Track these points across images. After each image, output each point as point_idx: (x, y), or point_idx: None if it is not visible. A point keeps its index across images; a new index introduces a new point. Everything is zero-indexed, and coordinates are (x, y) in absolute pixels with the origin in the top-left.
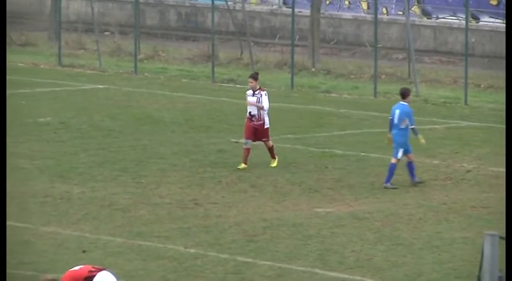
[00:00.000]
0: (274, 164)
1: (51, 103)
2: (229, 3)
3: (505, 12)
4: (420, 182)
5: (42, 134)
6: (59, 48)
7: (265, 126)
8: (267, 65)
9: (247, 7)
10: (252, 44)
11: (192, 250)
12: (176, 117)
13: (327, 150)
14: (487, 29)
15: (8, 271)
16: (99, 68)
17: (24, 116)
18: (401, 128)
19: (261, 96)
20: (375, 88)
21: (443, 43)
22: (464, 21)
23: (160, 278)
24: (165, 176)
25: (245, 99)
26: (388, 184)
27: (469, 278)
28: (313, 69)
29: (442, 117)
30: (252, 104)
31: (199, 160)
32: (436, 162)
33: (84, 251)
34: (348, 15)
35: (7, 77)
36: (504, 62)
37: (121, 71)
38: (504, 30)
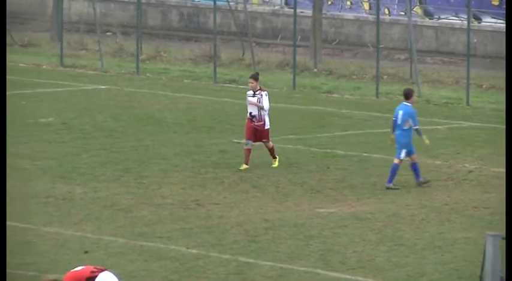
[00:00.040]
0: (276, 164)
1: (53, 104)
2: (231, 3)
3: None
4: (425, 182)
5: (44, 135)
6: (61, 48)
7: (266, 127)
8: (268, 66)
9: (249, 7)
10: (254, 44)
11: (194, 251)
12: (178, 118)
13: (329, 150)
14: (489, 29)
15: (9, 271)
16: (101, 69)
17: (26, 117)
18: (405, 129)
19: (261, 97)
20: (377, 89)
21: (445, 44)
22: (466, 22)
23: (162, 279)
24: (167, 176)
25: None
26: (391, 185)
27: (471, 278)
28: (315, 69)
29: (444, 118)
30: (252, 103)
31: (201, 161)
32: (438, 162)
33: (86, 252)
34: (349, 15)
35: (9, 77)
36: None
37: (123, 71)
38: None
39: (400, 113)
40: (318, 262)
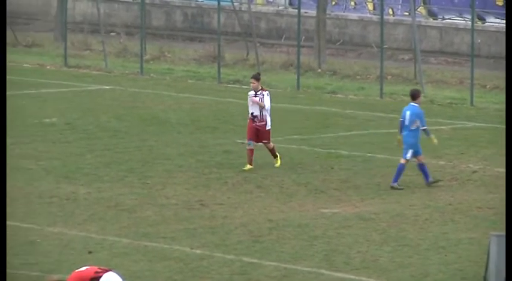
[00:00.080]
0: (278, 163)
1: (57, 104)
2: (235, 4)
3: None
4: (435, 182)
5: (48, 135)
6: (65, 49)
7: (267, 128)
8: (273, 66)
9: (253, 8)
10: (258, 44)
11: (198, 251)
12: (182, 118)
13: (333, 151)
14: (492, 29)
15: (13, 271)
16: (105, 69)
17: (30, 117)
18: (412, 130)
19: (263, 97)
20: (381, 89)
21: (449, 44)
22: (470, 22)
23: (166, 279)
24: (171, 177)
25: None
26: (395, 184)
27: (475, 279)
28: (319, 70)
29: (448, 118)
30: (254, 101)
31: (205, 161)
32: (442, 163)
33: (90, 252)
34: (353, 16)
35: (13, 77)
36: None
37: (127, 71)
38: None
39: (408, 113)
40: (322, 262)
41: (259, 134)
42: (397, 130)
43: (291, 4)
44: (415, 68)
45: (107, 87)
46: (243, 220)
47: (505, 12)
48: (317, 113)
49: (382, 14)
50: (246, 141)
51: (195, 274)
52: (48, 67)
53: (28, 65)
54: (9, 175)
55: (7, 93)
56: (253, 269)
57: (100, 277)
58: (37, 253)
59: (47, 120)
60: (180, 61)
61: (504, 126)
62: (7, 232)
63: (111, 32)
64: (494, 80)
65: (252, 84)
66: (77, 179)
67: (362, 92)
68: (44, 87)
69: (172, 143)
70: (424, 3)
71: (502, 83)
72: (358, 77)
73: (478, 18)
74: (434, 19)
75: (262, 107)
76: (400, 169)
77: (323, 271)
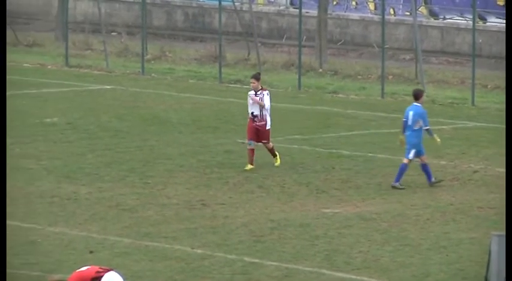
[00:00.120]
0: (277, 162)
1: (58, 104)
2: (236, 3)
3: None
4: (438, 182)
5: (49, 135)
6: (66, 48)
7: (267, 128)
8: (274, 66)
9: (255, 8)
10: (259, 44)
11: (199, 251)
12: (183, 118)
13: (334, 151)
14: (494, 29)
15: (14, 271)
16: (106, 69)
17: (31, 117)
18: (415, 130)
19: (263, 96)
20: (382, 89)
21: (450, 44)
22: (471, 22)
23: (167, 279)
24: (172, 176)
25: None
26: (397, 184)
27: (476, 278)
28: (321, 70)
29: (449, 118)
30: (254, 100)
31: (207, 161)
32: (443, 163)
33: (91, 252)
34: (355, 15)
35: (14, 77)
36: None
37: (128, 71)
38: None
39: (411, 113)
40: (323, 262)
41: (259, 133)
42: (399, 130)
43: (292, 4)
44: (416, 68)
45: (108, 87)
46: (244, 220)
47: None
48: (318, 113)
49: (383, 14)
50: (247, 141)
51: (196, 273)
52: (49, 67)
53: (29, 65)
54: (10, 175)
55: (8, 93)
56: (255, 269)
57: (101, 276)
58: (38, 252)
59: (48, 120)
60: (181, 61)
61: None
62: (8, 232)
63: (112, 31)
64: (496, 80)
65: (252, 84)
66: (78, 179)
67: (363, 92)
68: (45, 87)
69: (173, 142)
70: (425, 3)
71: (503, 83)
72: (359, 77)
73: (479, 18)
74: (435, 19)
75: (262, 107)
76: (402, 169)
77: (324, 270)
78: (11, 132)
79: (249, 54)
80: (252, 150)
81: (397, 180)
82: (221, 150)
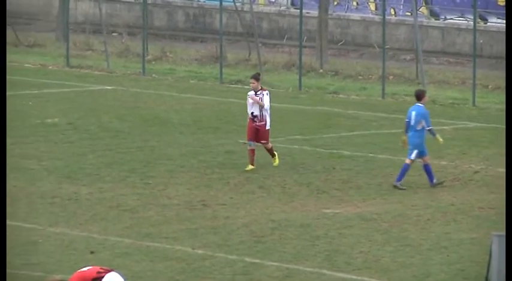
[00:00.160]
0: (276, 162)
1: (59, 104)
2: (237, 4)
3: None
4: (439, 183)
5: (50, 135)
6: (67, 49)
7: (267, 128)
8: (275, 66)
9: (255, 8)
10: (260, 45)
11: (200, 251)
12: (184, 119)
13: (335, 151)
14: (495, 30)
15: (15, 271)
16: (107, 69)
17: (32, 117)
18: (418, 130)
19: (263, 97)
20: (383, 89)
21: (451, 44)
22: (472, 22)
23: (168, 280)
24: (173, 177)
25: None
26: (399, 183)
27: (477, 279)
28: (321, 70)
29: (450, 118)
30: (253, 99)
31: (207, 161)
32: (444, 163)
33: (92, 252)
34: (355, 16)
35: (15, 77)
36: None
37: (129, 72)
38: None
39: (413, 114)
40: (323, 263)
41: (258, 133)
42: (400, 130)
43: (293, 4)
44: (417, 68)
45: (109, 87)
46: (245, 220)
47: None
48: (319, 114)
49: (384, 14)
50: (247, 141)
51: (197, 274)
52: (50, 67)
53: (30, 65)
54: (11, 175)
55: (9, 93)
56: (256, 269)
57: (102, 277)
58: (39, 253)
59: (49, 120)
60: (182, 61)
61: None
62: (9, 232)
63: (113, 32)
64: (496, 80)
65: (251, 85)
66: (79, 179)
67: (364, 93)
68: (46, 88)
69: (174, 143)
70: (426, 3)
71: (504, 83)
72: (360, 77)
73: (480, 19)
74: (436, 19)
75: (261, 106)
76: (405, 169)
77: (325, 271)
78: (12, 133)
79: (249, 54)
80: (253, 150)
81: (399, 180)
82: (222, 150)
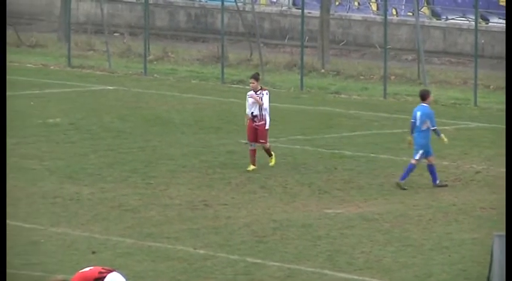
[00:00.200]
0: (273, 162)
1: (60, 104)
2: (238, 4)
3: None
4: (442, 186)
5: (51, 135)
6: (69, 49)
7: (266, 127)
8: (276, 66)
9: (257, 8)
10: (261, 45)
11: (202, 251)
12: (186, 119)
13: (337, 151)
14: (496, 30)
15: (16, 271)
16: (108, 69)
17: (34, 117)
18: (423, 130)
19: (262, 96)
20: (385, 89)
21: (452, 44)
22: (473, 22)
23: (170, 279)
24: (175, 177)
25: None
26: (402, 182)
27: (478, 279)
28: (323, 70)
29: (451, 119)
30: (253, 97)
31: (209, 161)
32: (445, 163)
33: (93, 252)
34: (357, 16)
35: (17, 78)
36: None
37: (130, 72)
38: None
39: (418, 114)
40: (325, 263)
41: (257, 133)
42: (401, 130)
43: (294, 4)
44: (418, 68)
45: (111, 87)
46: (247, 220)
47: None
48: (320, 114)
49: (385, 15)
50: (248, 142)
51: (198, 274)
52: (51, 67)
53: (32, 65)
54: (13, 175)
55: (11, 93)
56: (257, 269)
57: (104, 277)
58: (40, 253)
59: (51, 120)
60: (183, 61)
61: None
62: (10, 232)
63: (114, 32)
64: (498, 80)
65: (251, 84)
66: (80, 179)
67: (365, 93)
68: (48, 88)
69: (175, 143)
70: (428, 3)
71: None
72: (361, 77)
73: (482, 19)
74: (437, 19)
75: (260, 105)
76: (410, 169)
77: (326, 271)
78: (13, 133)
79: (251, 54)
80: (254, 150)
81: (403, 178)
82: (223, 150)
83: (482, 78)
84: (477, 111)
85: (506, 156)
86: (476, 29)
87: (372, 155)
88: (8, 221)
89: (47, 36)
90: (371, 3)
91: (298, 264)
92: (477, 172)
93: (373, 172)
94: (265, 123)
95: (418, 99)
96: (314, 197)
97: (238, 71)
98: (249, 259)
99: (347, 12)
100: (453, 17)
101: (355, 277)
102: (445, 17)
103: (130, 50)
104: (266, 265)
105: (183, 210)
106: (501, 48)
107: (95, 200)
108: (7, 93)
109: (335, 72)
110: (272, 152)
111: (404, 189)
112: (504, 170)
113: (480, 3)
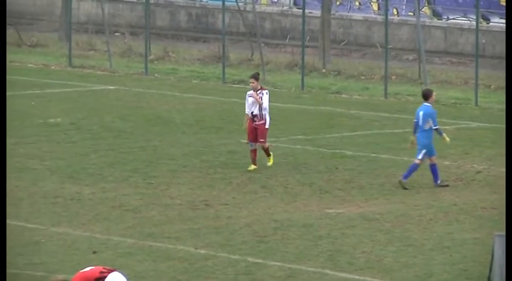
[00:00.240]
0: (270, 162)
1: (61, 104)
2: (239, 4)
3: None
4: (443, 186)
5: (52, 135)
6: (70, 49)
7: (266, 126)
8: (277, 66)
9: (258, 8)
10: (262, 45)
11: (203, 251)
12: (187, 118)
13: (338, 151)
14: (497, 30)
15: (17, 271)
16: (109, 69)
17: (35, 117)
18: (426, 130)
19: (262, 96)
20: (386, 89)
21: (453, 44)
22: (474, 22)
23: (171, 279)
24: (176, 177)
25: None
26: (404, 181)
27: (479, 279)
28: (324, 70)
29: (452, 118)
30: (253, 96)
31: (210, 161)
32: (446, 163)
33: (94, 252)
34: (358, 16)
35: (18, 77)
36: None
37: (131, 72)
38: None
39: (421, 113)
40: (326, 263)
41: (257, 132)
42: (403, 130)
43: (295, 4)
44: (419, 68)
45: (112, 87)
46: (248, 220)
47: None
48: (321, 113)
49: (386, 14)
50: (248, 142)
51: (199, 274)
52: (52, 67)
53: (32, 65)
54: (14, 175)
55: (12, 93)
56: (258, 269)
57: (105, 277)
58: (41, 253)
59: (52, 120)
60: (184, 61)
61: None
62: (11, 232)
63: (115, 32)
64: (499, 80)
65: (251, 84)
66: (81, 179)
67: (366, 92)
68: (49, 88)
69: (176, 143)
70: (429, 3)
71: None
72: (362, 77)
73: (483, 19)
74: (438, 19)
75: (260, 105)
76: (413, 168)
77: (327, 271)
78: (14, 133)
79: (252, 54)
80: (255, 150)
81: (406, 177)
82: (224, 150)
83: (483, 78)
84: (478, 111)
85: (506, 156)
86: (477, 29)
87: (373, 155)
88: (10, 221)
89: (47, 36)
90: (372, 3)
91: (299, 264)
92: (478, 172)
93: (374, 172)
94: (265, 123)
95: (419, 99)
96: (315, 197)
97: (239, 71)
98: (250, 259)
99: (348, 12)
100: (454, 16)
101: (356, 277)
102: (446, 17)
103: (131, 50)
104: (267, 265)
105: (184, 210)
106: (502, 48)
107: (96, 200)
108: (8, 93)
109: (336, 72)
110: (271, 153)
111: (406, 189)
112: (505, 169)
113: (481, 3)
